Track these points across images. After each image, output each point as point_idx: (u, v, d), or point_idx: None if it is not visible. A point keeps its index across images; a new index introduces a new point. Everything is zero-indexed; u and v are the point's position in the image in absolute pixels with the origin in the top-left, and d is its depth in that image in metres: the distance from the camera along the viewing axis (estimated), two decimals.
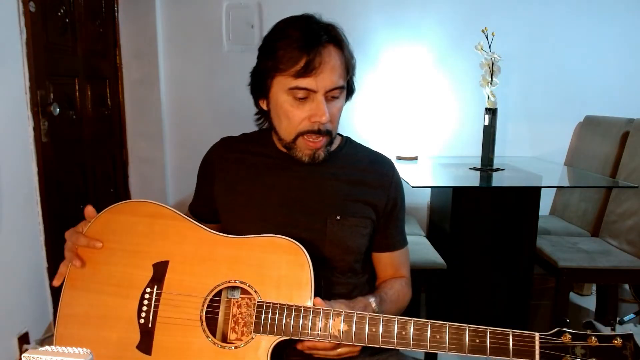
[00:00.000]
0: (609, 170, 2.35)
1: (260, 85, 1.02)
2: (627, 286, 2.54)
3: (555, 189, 2.70)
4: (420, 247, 2.06)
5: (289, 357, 0.95)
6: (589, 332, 0.81)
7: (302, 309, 0.86)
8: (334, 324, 0.85)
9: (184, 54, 2.69)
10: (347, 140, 1.14)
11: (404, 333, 0.83)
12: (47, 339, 1.84)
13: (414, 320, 0.84)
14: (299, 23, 0.98)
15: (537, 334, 0.81)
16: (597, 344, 0.79)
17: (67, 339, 0.92)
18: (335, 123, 1.02)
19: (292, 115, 0.97)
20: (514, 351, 0.80)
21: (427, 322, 0.84)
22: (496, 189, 2.13)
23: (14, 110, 1.70)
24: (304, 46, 0.94)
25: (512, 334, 0.81)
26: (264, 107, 1.05)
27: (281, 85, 0.97)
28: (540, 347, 0.80)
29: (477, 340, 0.82)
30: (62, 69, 2.04)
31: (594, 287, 2.56)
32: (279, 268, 0.89)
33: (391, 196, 1.08)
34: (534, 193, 2.04)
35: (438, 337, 0.83)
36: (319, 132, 0.98)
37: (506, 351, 0.80)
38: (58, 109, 1.91)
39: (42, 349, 0.62)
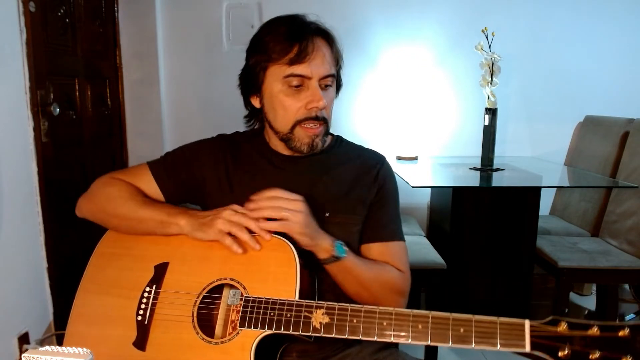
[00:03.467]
0: (609, 170, 2.35)
1: (251, 81, 1.03)
2: (627, 286, 2.54)
3: (555, 189, 2.70)
4: (420, 247, 2.07)
5: (283, 358, 0.96)
6: (591, 322, 0.72)
7: (286, 302, 0.87)
8: (316, 316, 0.85)
9: (184, 54, 2.69)
10: (337, 139, 1.14)
11: (385, 324, 0.82)
12: (47, 339, 1.84)
13: (395, 310, 0.83)
14: (285, 20, 1.01)
15: (527, 321, 0.75)
16: (600, 334, 0.71)
17: (74, 336, 0.96)
18: (330, 112, 1.03)
19: (288, 105, 0.98)
20: (502, 341, 0.75)
21: (410, 312, 0.81)
22: (496, 189, 2.13)
23: (14, 110, 1.70)
24: (294, 36, 0.96)
25: (500, 322, 0.77)
26: (256, 104, 1.06)
27: (275, 75, 0.98)
28: (532, 337, 0.74)
29: (462, 330, 0.78)
30: (62, 69, 2.04)
31: (594, 287, 2.57)
32: (267, 265, 0.91)
33: (380, 186, 1.06)
34: (534, 193, 2.04)
35: (420, 327, 0.80)
36: (316, 119, 0.99)
37: (493, 341, 0.76)
38: (58, 109, 1.91)
39: (42, 349, 0.62)
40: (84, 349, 0.62)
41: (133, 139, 2.66)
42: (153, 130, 2.68)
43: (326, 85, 1.00)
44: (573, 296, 2.61)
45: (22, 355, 0.61)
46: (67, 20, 2.07)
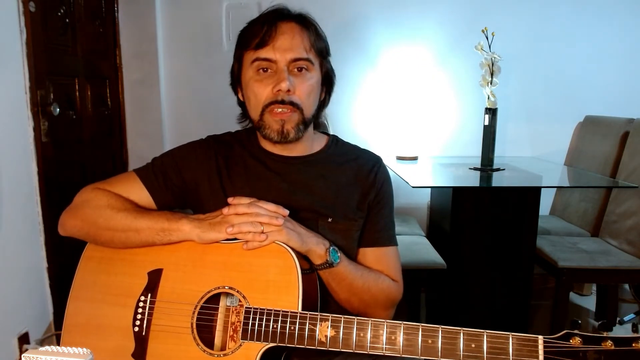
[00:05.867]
0: (609, 170, 2.35)
1: (234, 74, 1.04)
2: (627, 286, 2.54)
3: (555, 189, 2.70)
4: (420, 247, 2.07)
5: None
6: (604, 334, 0.71)
7: (289, 314, 0.84)
8: (321, 329, 0.82)
9: (184, 54, 2.69)
10: (333, 140, 1.12)
11: (393, 338, 0.80)
12: (47, 339, 1.84)
13: (404, 324, 0.80)
14: (270, 9, 1.00)
15: (540, 337, 0.74)
16: (614, 347, 0.70)
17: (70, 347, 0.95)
18: (305, 99, 0.97)
19: (258, 90, 0.97)
20: (515, 357, 0.74)
21: (419, 325, 0.80)
22: (496, 189, 2.13)
23: (14, 110, 1.70)
24: (264, 20, 0.97)
25: (512, 337, 0.75)
26: (241, 97, 1.04)
27: (246, 62, 0.99)
28: (545, 352, 0.72)
29: (473, 345, 0.76)
30: (62, 69, 2.04)
31: (594, 287, 2.57)
32: (267, 273, 0.88)
33: (377, 191, 1.05)
34: (534, 193, 2.04)
35: (430, 342, 0.78)
36: (282, 102, 0.95)
37: (506, 357, 0.74)
38: (58, 109, 1.92)
39: (42, 349, 0.62)
40: (84, 349, 0.62)
41: (133, 139, 2.66)
42: (153, 130, 2.68)
43: (300, 69, 0.97)
44: (573, 296, 2.61)
45: (22, 355, 0.61)
46: (67, 20, 2.07)
